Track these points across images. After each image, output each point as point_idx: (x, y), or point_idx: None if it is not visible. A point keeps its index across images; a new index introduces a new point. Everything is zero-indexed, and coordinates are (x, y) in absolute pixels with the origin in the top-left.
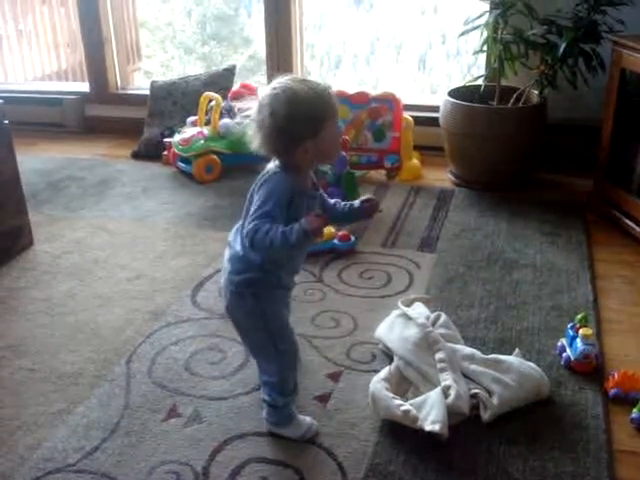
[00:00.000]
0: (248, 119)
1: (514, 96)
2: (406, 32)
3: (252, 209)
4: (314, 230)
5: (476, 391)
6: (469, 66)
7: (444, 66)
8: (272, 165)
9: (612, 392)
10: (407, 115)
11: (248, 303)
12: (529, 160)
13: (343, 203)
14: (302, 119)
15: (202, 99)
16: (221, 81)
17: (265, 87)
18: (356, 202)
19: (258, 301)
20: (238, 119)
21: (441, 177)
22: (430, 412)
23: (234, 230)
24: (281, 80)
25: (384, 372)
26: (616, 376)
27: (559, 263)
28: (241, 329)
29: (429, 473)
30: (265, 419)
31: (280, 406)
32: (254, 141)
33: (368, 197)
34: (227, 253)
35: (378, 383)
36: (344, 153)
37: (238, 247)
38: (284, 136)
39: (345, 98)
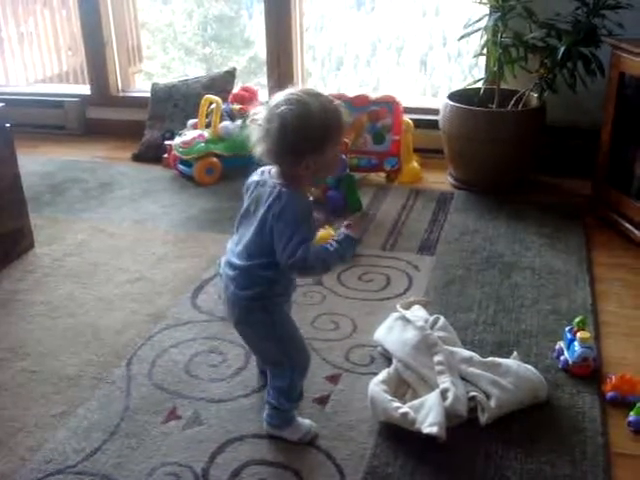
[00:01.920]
0: (255, 123)
1: (513, 99)
2: (407, 34)
3: (285, 238)
4: (361, 236)
5: (474, 394)
6: (470, 68)
7: (445, 68)
8: (268, 177)
9: (609, 395)
10: (407, 118)
11: (258, 316)
12: (528, 163)
13: None
14: (311, 135)
15: (203, 102)
16: (222, 84)
17: (279, 94)
18: None
19: (267, 313)
20: (239, 122)
21: (441, 180)
22: (428, 414)
23: (232, 248)
24: (295, 91)
25: (383, 375)
26: (613, 379)
27: (558, 266)
28: (252, 342)
29: (427, 475)
30: (266, 421)
31: (285, 410)
32: (258, 147)
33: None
34: (229, 273)
35: (377, 385)
36: (343, 156)
37: (243, 263)
38: (290, 149)
39: (345, 101)
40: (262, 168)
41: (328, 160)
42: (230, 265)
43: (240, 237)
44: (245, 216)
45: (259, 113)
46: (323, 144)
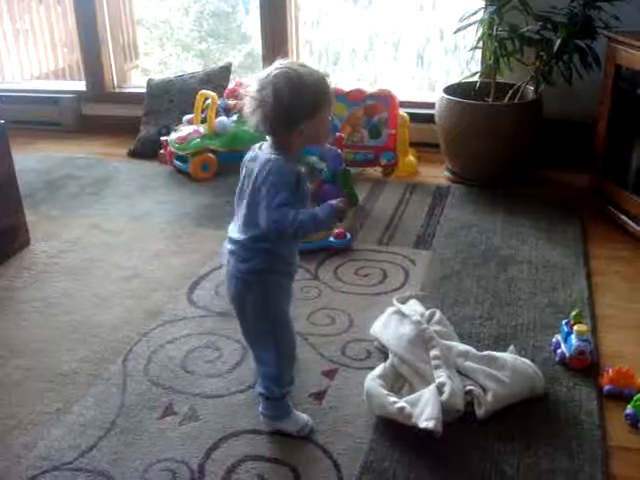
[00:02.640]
0: (248, 95)
1: (510, 92)
2: (404, 28)
3: (265, 200)
4: (342, 210)
5: (471, 388)
6: (467, 61)
7: (443, 62)
8: (259, 152)
9: (606, 388)
10: (403, 112)
11: (255, 291)
12: (525, 156)
13: None
14: (303, 100)
15: (198, 97)
16: (217, 79)
17: (267, 68)
18: None
19: (264, 289)
20: (235, 118)
21: (437, 174)
22: (424, 409)
23: (232, 224)
24: (283, 62)
25: (379, 369)
26: (610, 372)
27: (554, 259)
28: (244, 317)
29: (423, 470)
30: (262, 414)
31: (277, 398)
32: (253, 118)
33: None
34: (229, 247)
35: (373, 380)
36: (339, 150)
37: (241, 237)
38: (284, 115)
39: (341, 95)
40: (254, 145)
41: (319, 127)
42: (230, 240)
43: (237, 213)
44: (240, 193)
45: (251, 86)
46: (315, 107)
